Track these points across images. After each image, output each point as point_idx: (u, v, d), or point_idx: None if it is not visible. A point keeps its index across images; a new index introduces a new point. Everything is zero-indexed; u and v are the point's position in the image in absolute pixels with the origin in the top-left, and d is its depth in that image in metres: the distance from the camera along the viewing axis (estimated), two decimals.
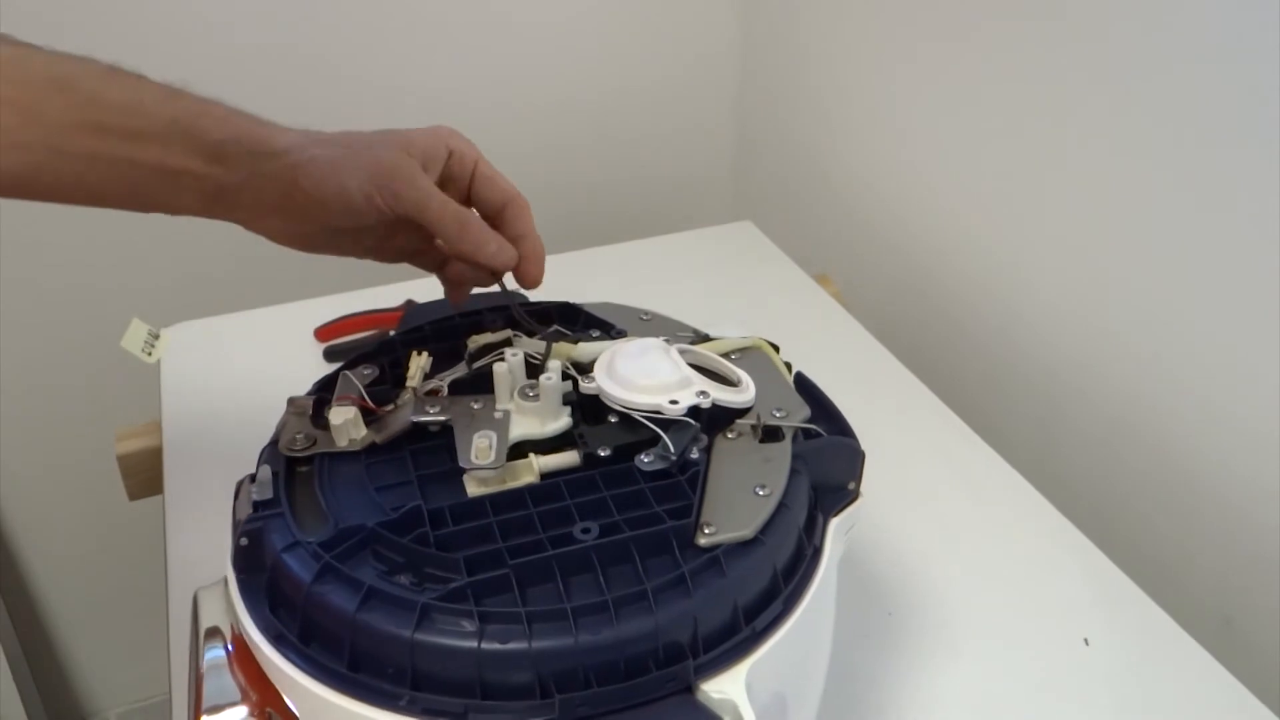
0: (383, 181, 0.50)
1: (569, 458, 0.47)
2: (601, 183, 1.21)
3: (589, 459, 0.47)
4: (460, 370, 0.53)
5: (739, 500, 0.45)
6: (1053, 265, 0.81)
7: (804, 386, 0.54)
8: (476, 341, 0.54)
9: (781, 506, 0.45)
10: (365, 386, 0.51)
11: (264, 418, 0.51)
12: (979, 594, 0.63)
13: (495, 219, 0.55)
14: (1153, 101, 0.69)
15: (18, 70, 0.47)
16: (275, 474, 0.47)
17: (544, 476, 0.46)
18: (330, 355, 0.84)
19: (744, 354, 0.54)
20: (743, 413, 0.49)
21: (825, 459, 0.49)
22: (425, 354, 0.52)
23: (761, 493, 0.45)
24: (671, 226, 1.05)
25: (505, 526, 0.44)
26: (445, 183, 0.54)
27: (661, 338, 0.52)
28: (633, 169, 1.22)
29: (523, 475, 0.46)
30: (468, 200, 0.55)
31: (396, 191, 0.51)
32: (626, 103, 1.18)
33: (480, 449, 0.45)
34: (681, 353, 0.51)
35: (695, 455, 0.47)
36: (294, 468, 0.48)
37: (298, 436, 0.49)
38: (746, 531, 0.44)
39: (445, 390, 0.51)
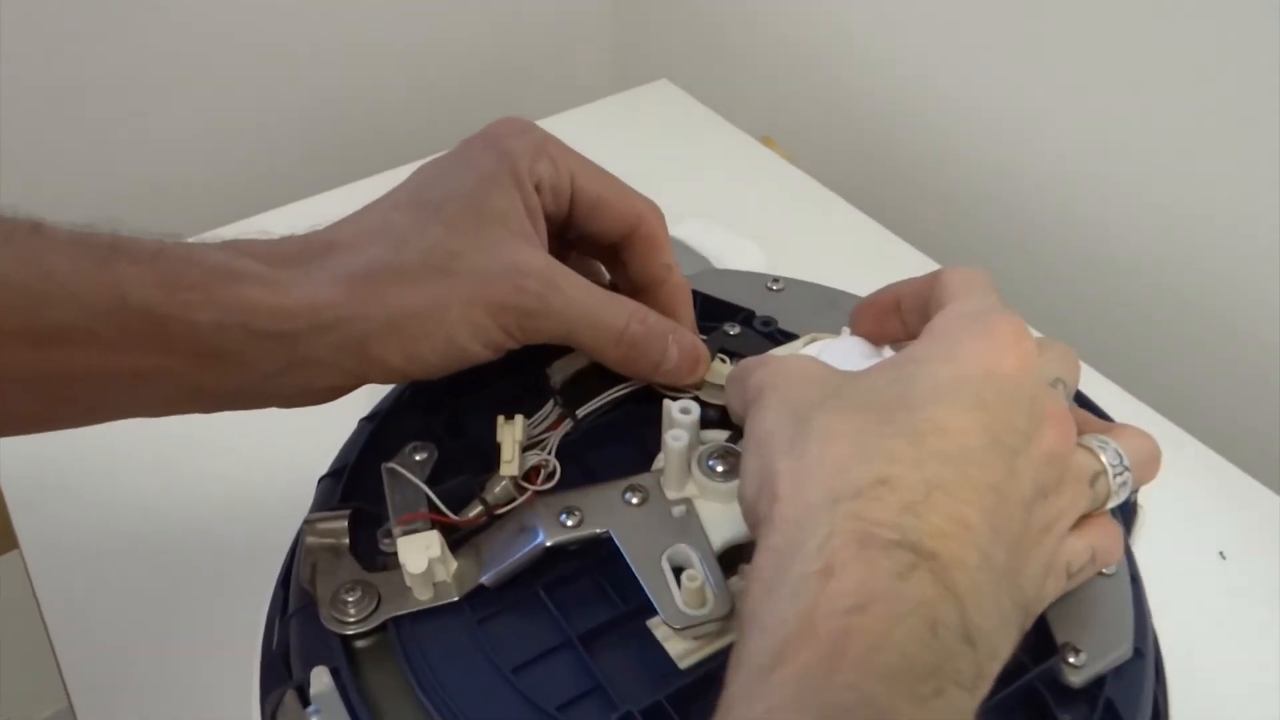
0: (509, 319, 0.31)
1: None
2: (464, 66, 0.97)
3: None
4: (562, 425, 0.34)
5: (1084, 592, 0.30)
6: (1029, 100, 0.67)
7: None
8: (564, 369, 0.35)
9: (1133, 581, 0.31)
10: (428, 482, 0.32)
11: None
12: None
13: (615, 254, 0.36)
14: None
15: None
16: (336, 673, 0.28)
17: None
18: None
19: None
20: None
21: None
22: (519, 418, 0.33)
23: (1107, 571, 0.30)
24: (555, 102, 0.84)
25: None
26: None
27: (847, 331, 0.35)
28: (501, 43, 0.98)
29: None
30: (565, 229, 0.36)
31: (532, 327, 0.32)
32: None
33: (691, 589, 0.28)
34: None
35: None
36: (351, 646, 0.30)
37: (347, 597, 0.30)
38: (1124, 646, 0.29)
39: (554, 468, 0.33)
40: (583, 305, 0.31)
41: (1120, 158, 0.63)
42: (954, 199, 0.77)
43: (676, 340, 0.33)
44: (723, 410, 0.33)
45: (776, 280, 0.40)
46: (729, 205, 0.70)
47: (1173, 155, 0.60)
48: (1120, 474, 0.27)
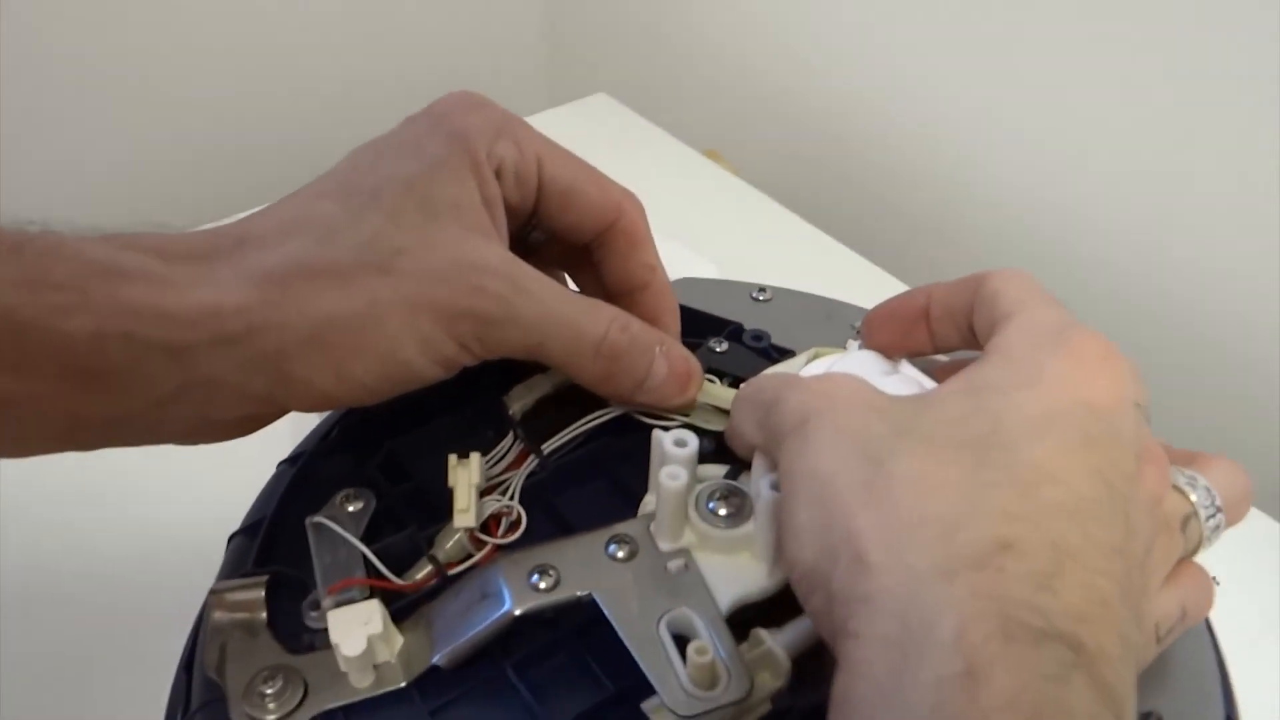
0: (465, 328, 0.26)
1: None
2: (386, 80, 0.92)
3: None
4: (525, 464, 0.29)
5: (1165, 650, 0.25)
6: (976, 108, 0.65)
7: None
8: (522, 396, 0.30)
9: (1209, 633, 0.26)
10: (364, 538, 0.26)
11: None
12: None
13: (584, 257, 0.31)
14: None
15: None
16: None
17: (796, 673, 0.24)
18: None
19: None
20: None
21: None
22: (475, 457, 0.27)
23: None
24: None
25: None
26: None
27: (855, 345, 0.30)
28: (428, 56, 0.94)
29: (762, 686, 0.24)
30: (528, 226, 0.30)
31: (493, 338, 0.26)
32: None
33: (700, 665, 0.22)
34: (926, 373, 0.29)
35: None
36: None
37: (265, 688, 0.24)
38: (1214, 713, 0.24)
39: (519, 516, 0.27)
40: (554, 310, 0.26)
41: (1076, 166, 0.60)
42: (905, 210, 0.73)
43: (665, 352, 0.28)
44: (718, 439, 0.28)
45: (763, 289, 0.35)
46: (674, 220, 0.66)
47: (1130, 158, 0.57)
48: (1212, 515, 0.23)
